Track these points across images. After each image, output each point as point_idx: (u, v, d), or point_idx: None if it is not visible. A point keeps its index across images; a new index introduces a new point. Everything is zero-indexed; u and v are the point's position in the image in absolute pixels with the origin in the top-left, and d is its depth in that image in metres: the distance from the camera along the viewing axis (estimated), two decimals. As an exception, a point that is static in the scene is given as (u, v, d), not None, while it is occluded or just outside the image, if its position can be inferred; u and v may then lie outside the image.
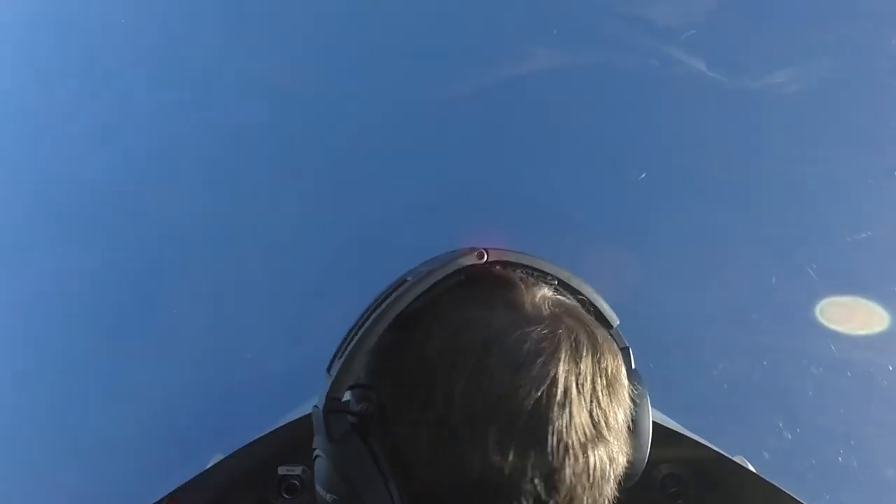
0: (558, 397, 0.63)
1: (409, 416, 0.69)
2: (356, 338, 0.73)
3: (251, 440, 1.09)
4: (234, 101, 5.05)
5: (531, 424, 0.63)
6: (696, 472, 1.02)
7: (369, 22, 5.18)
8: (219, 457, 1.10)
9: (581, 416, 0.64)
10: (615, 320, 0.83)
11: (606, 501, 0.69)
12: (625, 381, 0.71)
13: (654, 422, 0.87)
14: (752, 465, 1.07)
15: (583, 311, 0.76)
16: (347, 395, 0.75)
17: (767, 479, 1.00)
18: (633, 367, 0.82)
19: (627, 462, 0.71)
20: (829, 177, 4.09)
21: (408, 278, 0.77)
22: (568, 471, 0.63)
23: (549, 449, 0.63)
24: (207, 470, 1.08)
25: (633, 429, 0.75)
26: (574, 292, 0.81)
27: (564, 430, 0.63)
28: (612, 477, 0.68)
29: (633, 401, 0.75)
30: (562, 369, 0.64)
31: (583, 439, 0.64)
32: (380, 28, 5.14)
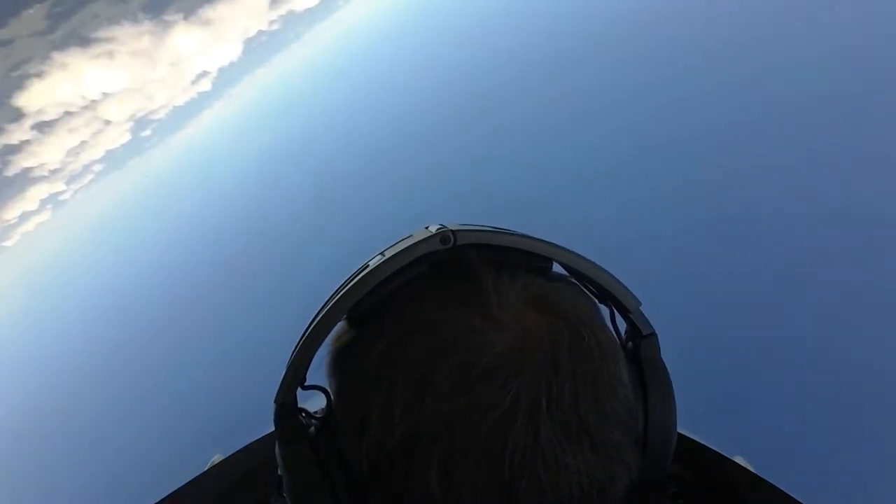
0: (520, 417, 0.54)
1: (350, 433, 0.62)
2: (306, 334, 0.66)
3: (251, 441, 1.08)
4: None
5: (483, 451, 0.54)
6: (697, 473, 0.98)
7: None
8: (219, 457, 1.09)
9: (552, 438, 0.55)
10: (634, 303, 0.70)
11: None
12: (622, 388, 0.61)
13: None
14: (751, 464, 1.04)
15: (577, 302, 0.65)
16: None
17: (767, 479, 0.98)
18: (659, 357, 0.71)
19: (634, 478, 0.61)
20: None
21: (369, 263, 0.68)
22: (531, 497, 0.54)
23: (504, 478, 0.54)
24: (207, 471, 1.07)
25: (645, 438, 0.66)
26: (578, 275, 0.69)
27: (527, 455, 0.54)
28: (610, 494, 0.59)
29: (645, 403, 0.67)
30: (528, 383, 0.55)
31: (553, 465, 0.55)
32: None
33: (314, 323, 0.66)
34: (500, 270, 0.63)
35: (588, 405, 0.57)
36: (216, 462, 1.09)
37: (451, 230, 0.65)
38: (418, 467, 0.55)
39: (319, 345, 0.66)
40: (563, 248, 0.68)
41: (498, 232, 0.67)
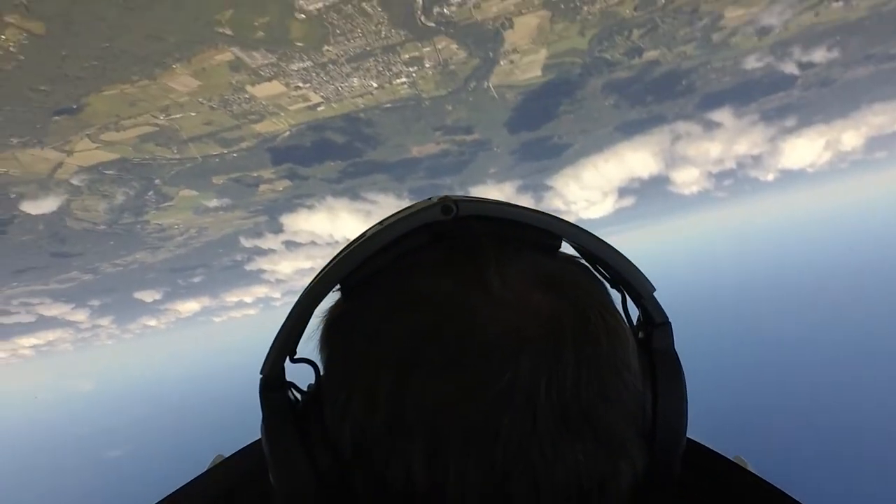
0: (517, 402, 0.49)
1: (335, 410, 0.58)
2: (294, 305, 0.61)
3: (251, 441, 1.04)
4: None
5: (472, 436, 0.49)
6: (697, 473, 0.96)
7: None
8: (219, 457, 1.08)
9: (550, 426, 0.50)
10: (649, 289, 0.64)
11: None
12: (631, 372, 0.56)
13: None
14: (751, 464, 1.03)
15: (586, 283, 0.60)
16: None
17: (766, 479, 0.95)
18: (672, 347, 0.65)
19: (639, 475, 0.57)
20: None
21: (368, 231, 0.64)
22: (524, 489, 0.50)
23: (496, 467, 0.49)
24: (207, 471, 1.05)
25: (653, 432, 0.60)
26: (590, 257, 0.63)
27: (522, 443, 0.49)
28: (612, 491, 0.54)
29: (654, 396, 0.61)
30: (527, 365, 0.50)
31: (550, 456, 0.50)
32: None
33: (303, 293, 0.62)
34: (503, 245, 0.58)
35: (591, 392, 0.52)
36: (216, 462, 1.07)
37: (454, 200, 0.60)
38: (401, 450, 0.52)
39: (310, 315, 0.61)
40: (575, 226, 0.62)
41: (503, 204, 0.61)
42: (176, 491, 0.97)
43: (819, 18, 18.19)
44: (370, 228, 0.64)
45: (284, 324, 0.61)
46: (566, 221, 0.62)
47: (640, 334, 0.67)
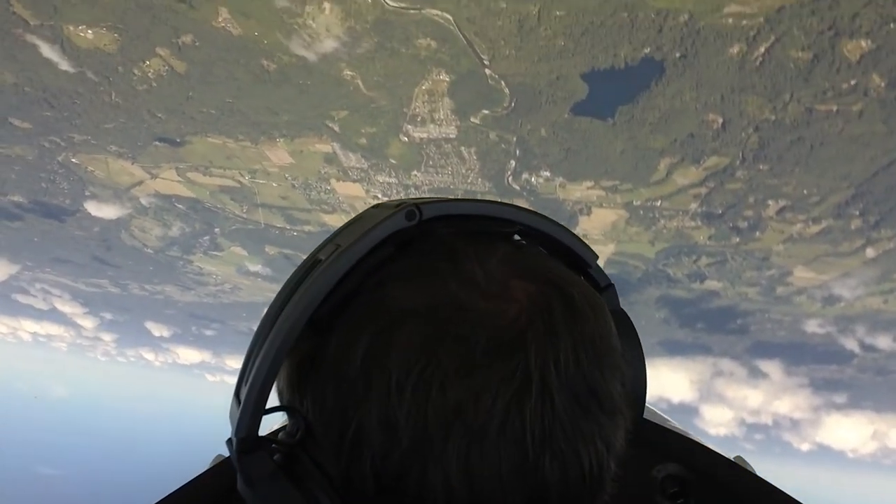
0: (534, 390, 0.51)
1: (342, 448, 0.53)
2: (261, 354, 0.55)
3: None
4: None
5: (503, 432, 0.50)
6: (697, 473, 0.95)
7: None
8: (219, 457, 1.04)
9: (566, 405, 0.52)
10: (592, 256, 0.69)
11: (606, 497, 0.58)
12: (615, 340, 0.60)
13: (654, 423, 0.80)
14: (750, 465, 1.07)
15: (552, 264, 0.62)
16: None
17: (765, 479, 0.98)
18: (619, 307, 0.71)
19: (629, 428, 0.59)
20: None
21: (321, 257, 0.59)
22: (557, 472, 0.51)
23: (529, 458, 0.50)
24: (207, 470, 1.01)
25: (628, 385, 0.61)
26: (538, 235, 0.66)
27: (546, 427, 0.51)
28: (617, 450, 0.57)
29: (623, 355, 0.62)
30: (535, 352, 0.51)
31: (571, 434, 0.52)
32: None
33: (269, 337, 0.55)
34: (475, 241, 0.59)
35: (591, 365, 0.55)
36: (216, 461, 1.03)
37: (415, 203, 0.59)
38: (435, 467, 0.50)
39: (282, 361, 0.55)
40: (524, 209, 0.65)
41: (460, 200, 0.63)
42: (176, 490, 0.94)
43: (888, 306, 18.07)
44: (322, 250, 0.61)
45: (255, 376, 0.55)
46: (516, 206, 0.64)
47: None
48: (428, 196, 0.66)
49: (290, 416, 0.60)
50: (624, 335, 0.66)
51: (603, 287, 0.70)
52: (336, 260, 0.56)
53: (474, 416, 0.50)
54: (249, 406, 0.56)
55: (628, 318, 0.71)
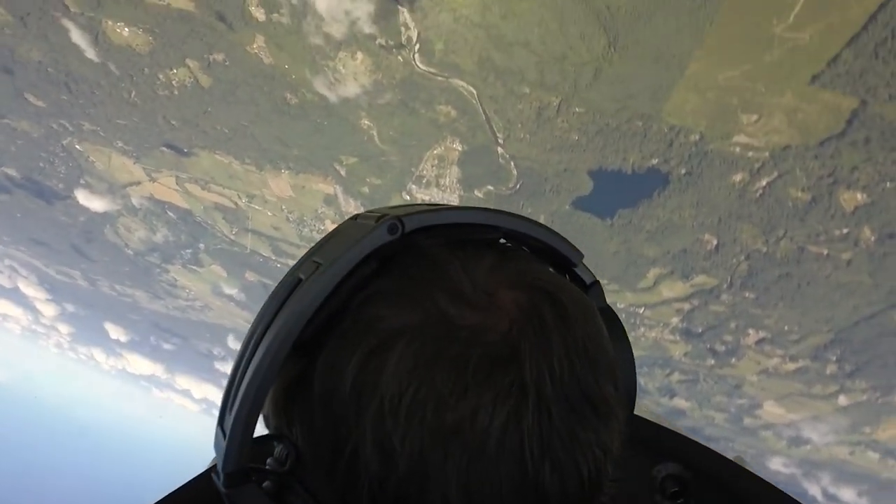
0: (530, 402, 0.50)
1: (335, 475, 0.53)
2: (245, 380, 0.53)
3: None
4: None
5: (501, 449, 0.49)
6: (696, 473, 0.92)
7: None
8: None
9: (563, 415, 0.51)
10: (577, 256, 0.69)
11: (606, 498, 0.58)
12: (606, 341, 0.59)
13: (653, 423, 0.82)
14: (749, 464, 1.07)
15: (539, 267, 0.62)
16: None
17: (765, 478, 0.98)
18: (605, 303, 0.70)
19: (623, 430, 0.58)
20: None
21: (301, 275, 0.57)
22: (556, 484, 0.51)
23: (528, 472, 0.50)
24: (208, 470, 0.95)
25: (620, 387, 0.61)
26: (521, 238, 0.64)
27: (544, 439, 0.50)
28: (608, 469, 0.57)
29: (615, 353, 0.62)
30: (528, 364, 0.51)
31: (569, 443, 0.52)
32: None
33: (254, 361, 0.53)
34: (459, 251, 0.58)
35: (585, 370, 0.54)
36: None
37: (397, 217, 0.57)
38: (435, 489, 0.50)
39: (269, 387, 0.53)
40: (505, 213, 0.64)
41: (442, 209, 0.61)
42: (176, 490, 0.92)
43: (853, 458, 17.79)
44: (301, 268, 0.58)
45: (241, 404, 0.53)
46: (498, 211, 0.63)
47: None
48: (406, 204, 0.65)
49: (279, 442, 0.58)
50: (611, 331, 0.66)
51: (589, 284, 0.71)
52: (319, 278, 0.53)
53: (471, 435, 0.49)
54: (236, 438, 0.53)
55: (615, 313, 0.71)
